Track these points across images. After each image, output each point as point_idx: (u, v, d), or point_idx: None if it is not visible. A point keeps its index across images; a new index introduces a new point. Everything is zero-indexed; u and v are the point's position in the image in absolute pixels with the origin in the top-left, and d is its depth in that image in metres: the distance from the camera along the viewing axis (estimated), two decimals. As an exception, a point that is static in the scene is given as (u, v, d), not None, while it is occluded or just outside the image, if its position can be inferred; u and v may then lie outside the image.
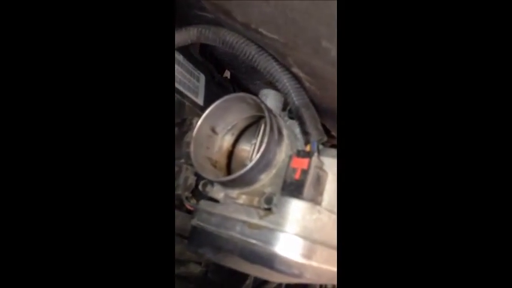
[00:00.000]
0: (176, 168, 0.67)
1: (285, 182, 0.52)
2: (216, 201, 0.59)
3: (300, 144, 0.59)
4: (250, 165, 0.52)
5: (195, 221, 0.60)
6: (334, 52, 0.48)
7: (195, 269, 0.81)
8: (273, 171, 0.55)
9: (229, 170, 0.65)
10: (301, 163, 0.52)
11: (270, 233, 0.50)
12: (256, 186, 0.56)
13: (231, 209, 0.56)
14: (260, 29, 0.53)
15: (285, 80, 0.56)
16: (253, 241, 0.50)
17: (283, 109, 0.69)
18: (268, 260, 0.49)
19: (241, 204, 0.56)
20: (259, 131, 0.63)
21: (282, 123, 0.58)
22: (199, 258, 0.80)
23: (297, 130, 0.60)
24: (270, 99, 0.68)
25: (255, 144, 0.62)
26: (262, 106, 0.54)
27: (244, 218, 0.53)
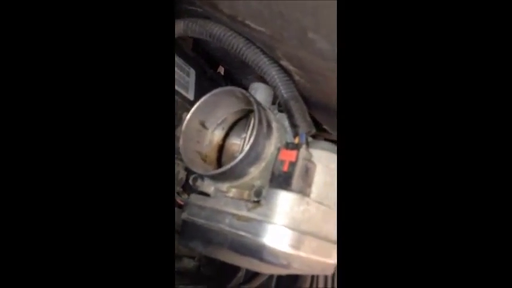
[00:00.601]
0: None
1: (273, 174, 0.52)
2: (206, 195, 0.60)
3: (290, 137, 0.60)
4: (239, 157, 0.52)
5: (185, 215, 0.60)
6: (319, 43, 0.48)
7: (189, 263, 0.81)
8: (263, 164, 0.55)
9: (219, 164, 0.65)
10: (289, 155, 0.52)
11: (258, 224, 0.50)
12: (246, 179, 0.56)
13: (221, 203, 0.56)
14: (247, 22, 0.53)
15: (273, 73, 0.56)
16: (242, 233, 0.51)
17: (273, 102, 0.69)
18: (257, 252, 0.49)
19: (232, 198, 0.57)
20: (249, 124, 0.63)
21: (271, 116, 0.58)
22: (191, 252, 0.80)
23: (287, 123, 0.60)
24: (260, 92, 0.67)
25: (245, 138, 0.62)
26: (251, 99, 0.55)
27: (233, 210, 0.53)
